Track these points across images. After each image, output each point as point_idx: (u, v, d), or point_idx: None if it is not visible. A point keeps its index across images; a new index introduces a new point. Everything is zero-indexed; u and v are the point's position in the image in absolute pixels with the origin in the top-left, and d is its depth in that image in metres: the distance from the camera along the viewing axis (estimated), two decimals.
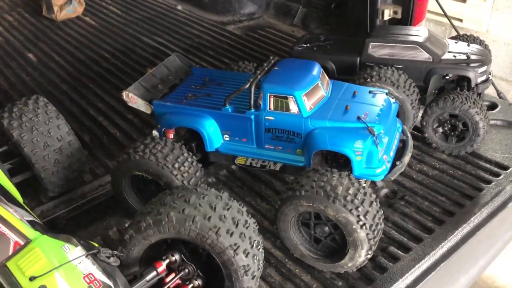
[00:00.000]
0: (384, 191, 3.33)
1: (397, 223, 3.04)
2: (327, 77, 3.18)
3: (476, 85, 3.63)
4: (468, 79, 3.62)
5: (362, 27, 5.05)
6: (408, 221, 3.06)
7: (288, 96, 2.89)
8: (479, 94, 3.85)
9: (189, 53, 5.53)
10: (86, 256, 2.03)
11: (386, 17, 4.91)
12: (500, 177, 3.32)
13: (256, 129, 3.04)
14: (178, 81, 3.56)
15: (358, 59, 3.87)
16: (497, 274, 5.43)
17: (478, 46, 3.84)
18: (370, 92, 3.09)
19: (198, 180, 2.95)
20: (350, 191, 2.49)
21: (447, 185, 3.31)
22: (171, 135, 3.23)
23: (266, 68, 3.12)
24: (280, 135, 3.01)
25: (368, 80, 3.47)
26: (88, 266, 1.99)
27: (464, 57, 3.62)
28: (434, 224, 3.00)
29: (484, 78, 3.64)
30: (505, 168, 3.41)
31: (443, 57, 3.65)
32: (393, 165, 2.94)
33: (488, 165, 3.46)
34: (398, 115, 3.36)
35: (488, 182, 3.30)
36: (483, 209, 3.07)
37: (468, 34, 4.22)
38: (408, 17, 4.83)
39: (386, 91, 3.16)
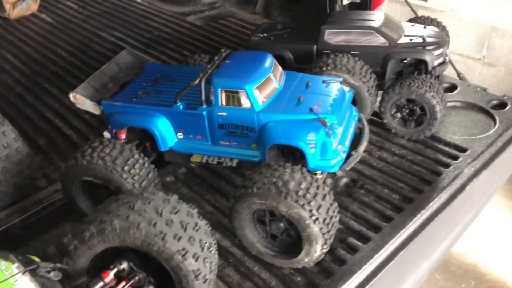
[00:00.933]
0: (344, 180, 3.29)
1: (356, 213, 3.01)
2: (280, 68, 3.11)
3: (433, 68, 3.61)
4: (425, 62, 3.59)
5: (322, 13, 4.98)
6: (367, 210, 3.03)
7: (239, 90, 2.82)
8: (437, 77, 3.83)
9: (149, 47, 5.39)
10: (24, 273, 1.94)
11: (345, 2, 4.86)
12: (459, 160, 3.32)
13: (210, 125, 2.97)
14: (129, 78, 3.44)
15: (315, 47, 3.80)
16: (468, 250, 5.52)
17: (434, 28, 3.81)
18: (323, 82, 3.03)
19: (151, 182, 2.87)
20: (302, 186, 2.44)
21: (406, 171, 3.30)
22: (123, 136, 3.13)
23: (217, 62, 3.03)
24: (234, 131, 2.93)
25: (323, 68, 3.41)
26: (25, 283, 1.90)
27: (420, 40, 3.58)
28: (393, 212, 2.98)
29: (441, 60, 3.62)
30: (463, 150, 3.41)
31: (399, 41, 3.61)
32: (349, 155, 2.90)
33: (447, 148, 3.45)
34: (355, 103, 3.32)
35: (447, 165, 3.29)
36: (441, 193, 3.05)
37: (426, 16, 4.19)
38: (367, 1, 4.78)
39: (341, 79, 3.11)
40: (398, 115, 3.53)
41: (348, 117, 3.02)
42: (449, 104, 3.89)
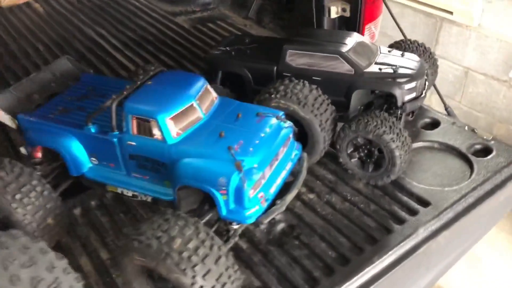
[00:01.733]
0: (281, 225, 2.89)
1: (281, 269, 2.60)
2: (213, 95, 2.72)
3: (403, 103, 3.13)
4: (394, 96, 3.12)
5: (310, 25, 4.54)
6: (295, 267, 2.62)
7: (150, 119, 2.46)
8: (412, 113, 3.35)
9: (127, 47, 5.10)
10: None
11: (334, 15, 4.39)
12: (416, 216, 2.84)
13: (122, 154, 2.62)
14: (60, 90, 3.13)
15: (275, 68, 3.38)
16: None
17: (414, 57, 3.32)
18: (257, 114, 2.63)
19: (48, 213, 2.55)
20: (190, 245, 2.06)
21: (353, 222, 2.85)
22: (38, 155, 2.84)
23: (139, 82, 2.68)
24: (145, 164, 2.58)
25: (272, 96, 3.00)
26: None
27: (391, 70, 3.11)
28: (322, 273, 2.56)
29: (413, 95, 3.13)
30: (425, 204, 2.93)
31: (366, 70, 3.14)
32: (273, 203, 2.50)
33: (407, 199, 2.98)
34: (302, 139, 2.90)
35: (401, 221, 2.82)
36: (384, 257, 2.60)
37: (413, 40, 3.68)
38: (357, 16, 4.30)
39: (280, 113, 2.69)
40: (356, 154, 3.07)
41: (282, 159, 2.61)
42: (425, 144, 3.42)
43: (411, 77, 3.09)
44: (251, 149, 2.41)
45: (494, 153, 3.26)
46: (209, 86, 2.72)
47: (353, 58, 3.15)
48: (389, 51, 3.36)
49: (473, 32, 6.41)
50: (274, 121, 2.61)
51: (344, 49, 3.18)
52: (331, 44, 3.24)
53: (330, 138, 3.09)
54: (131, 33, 5.40)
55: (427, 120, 3.60)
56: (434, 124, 3.59)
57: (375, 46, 3.40)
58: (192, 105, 2.54)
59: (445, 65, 6.03)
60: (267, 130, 2.54)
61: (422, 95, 3.20)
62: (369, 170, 3.04)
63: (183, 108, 2.50)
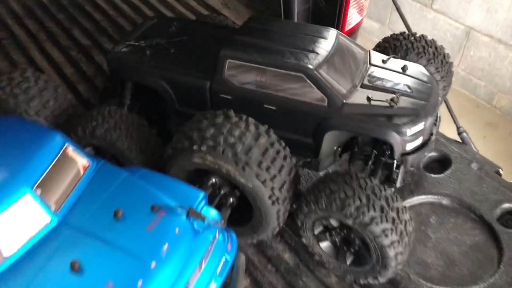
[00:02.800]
0: None
1: None
2: (80, 162, 1.55)
3: (404, 154, 2.00)
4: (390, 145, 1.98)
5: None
6: None
7: None
8: (416, 168, 2.22)
9: None
10: None
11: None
12: None
13: None
14: None
15: (208, 84, 2.18)
16: None
17: (419, 72, 2.14)
18: (152, 209, 1.48)
19: None
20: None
21: None
22: None
23: None
24: None
25: (195, 147, 1.83)
26: None
27: (386, 100, 1.94)
28: None
29: (417, 142, 2.00)
30: None
31: (348, 101, 1.97)
32: None
33: None
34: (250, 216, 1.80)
35: None
36: None
37: (416, 36, 2.47)
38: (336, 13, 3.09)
39: (201, 193, 1.55)
40: (326, 237, 1.97)
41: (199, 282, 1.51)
42: (430, 199, 2.32)
43: (417, 115, 1.94)
44: None
45: None
46: (71, 150, 1.55)
47: (327, 80, 1.97)
48: (383, 61, 2.17)
49: None
50: (181, 220, 1.48)
51: (314, 62, 1.99)
52: (293, 54, 2.03)
53: (288, 210, 1.96)
54: None
55: (434, 155, 2.48)
56: (443, 162, 2.48)
57: (362, 52, 2.20)
58: (26, 199, 1.38)
59: (443, 22, 4.87)
60: (165, 248, 1.40)
61: (431, 140, 2.06)
62: (346, 262, 1.95)
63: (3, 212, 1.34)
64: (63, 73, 3.25)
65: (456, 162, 2.47)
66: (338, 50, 2.09)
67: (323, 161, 2.15)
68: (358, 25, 3.45)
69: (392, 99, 1.93)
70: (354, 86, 2.02)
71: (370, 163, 2.06)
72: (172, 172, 1.95)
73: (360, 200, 1.74)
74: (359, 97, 1.98)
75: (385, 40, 2.51)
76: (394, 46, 2.43)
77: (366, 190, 1.77)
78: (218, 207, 1.91)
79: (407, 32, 2.52)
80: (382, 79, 2.06)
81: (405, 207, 1.81)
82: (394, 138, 1.92)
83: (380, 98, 1.96)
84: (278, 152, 1.87)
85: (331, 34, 2.16)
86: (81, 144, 2.15)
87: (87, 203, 1.52)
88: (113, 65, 2.38)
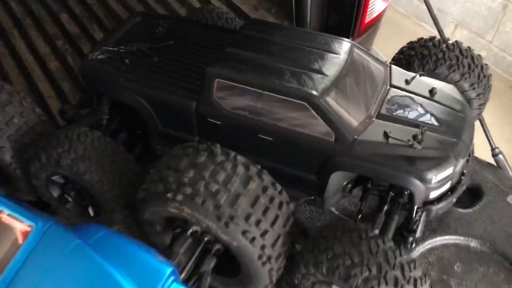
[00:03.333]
0: None
1: None
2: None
3: (427, 203, 1.64)
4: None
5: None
6: None
7: None
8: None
9: None
10: None
11: None
12: None
13: None
14: None
15: (195, 106, 1.83)
16: None
17: (452, 94, 1.75)
18: None
19: None
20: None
21: None
22: None
23: None
24: None
25: (169, 195, 1.50)
26: None
27: (408, 140, 1.57)
28: None
29: (445, 188, 1.63)
30: None
31: (360, 136, 1.61)
32: None
33: None
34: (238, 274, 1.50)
35: None
36: None
37: (451, 43, 2.05)
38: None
39: (168, 268, 1.24)
40: None
41: None
42: (456, 241, 1.97)
43: (445, 157, 1.56)
44: None
45: None
46: (6, 215, 1.24)
47: (335, 110, 1.59)
48: (407, 82, 1.78)
49: None
50: None
51: (320, 87, 1.61)
52: (295, 75, 1.65)
53: (283, 266, 1.63)
54: None
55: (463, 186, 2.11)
56: (473, 192, 2.10)
57: (381, 69, 1.81)
58: None
59: None
60: None
61: (462, 182, 1.69)
62: None
63: None
64: (46, 67, 2.92)
65: (488, 193, 2.09)
66: (351, 69, 1.70)
67: (329, 199, 1.81)
68: (381, 15, 3.01)
69: (415, 137, 1.56)
70: (369, 116, 1.65)
71: (385, 207, 1.71)
72: (147, 216, 1.64)
73: (370, 270, 1.41)
74: (375, 131, 1.61)
75: (411, 46, 2.10)
76: (422, 55, 2.02)
77: (377, 255, 1.43)
78: (202, 255, 1.61)
79: (438, 37, 2.10)
80: (404, 107, 1.67)
81: (424, 275, 1.47)
82: (416, 186, 1.55)
83: (400, 134, 1.58)
84: (271, 200, 1.53)
85: (344, 47, 1.77)
86: (47, 172, 1.87)
87: (24, 280, 1.22)
88: (87, 76, 2.04)
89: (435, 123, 1.63)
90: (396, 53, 2.18)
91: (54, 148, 1.81)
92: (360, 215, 1.77)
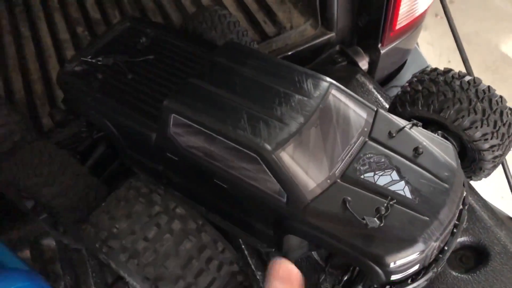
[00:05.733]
0: None
1: None
2: None
3: (391, 285, 1.40)
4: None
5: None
6: None
7: None
8: None
9: None
10: None
11: None
12: None
13: None
14: None
15: (154, 138, 1.68)
16: None
17: (441, 158, 1.46)
18: None
19: None
20: None
21: None
22: None
23: None
24: None
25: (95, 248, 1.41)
26: None
27: (371, 209, 1.33)
28: None
29: (411, 271, 1.38)
30: None
31: (315, 201, 1.39)
32: None
33: None
34: None
35: None
36: None
37: (465, 76, 1.71)
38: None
39: None
40: None
41: None
42: None
43: (410, 240, 1.31)
44: None
45: None
46: None
47: (289, 169, 1.38)
48: (390, 134, 1.49)
49: None
50: None
51: (275, 139, 1.39)
52: (252, 120, 1.44)
53: None
54: None
55: (465, 240, 1.81)
56: (477, 252, 1.80)
57: (362, 118, 1.54)
58: None
59: None
60: None
61: (443, 258, 1.43)
62: None
63: None
64: (63, 56, 2.88)
65: (495, 258, 1.77)
66: (321, 117, 1.46)
67: (291, 254, 1.62)
68: (419, 18, 2.62)
69: (377, 211, 1.31)
70: (331, 177, 1.41)
71: (345, 277, 1.50)
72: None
73: None
74: (334, 197, 1.38)
75: (420, 78, 1.77)
76: (428, 92, 1.70)
77: None
78: None
79: (456, 70, 1.75)
80: (376, 170, 1.41)
81: None
82: (371, 269, 1.32)
83: (362, 204, 1.34)
84: (209, 261, 1.39)
85: (320, 88, 1.51)
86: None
87: None
88: (60, 87, 1.95)
89: (408, 194, 1.36)
90: (407, 82, 1.86)
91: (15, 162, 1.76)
92: (325, 276, 1.57)
